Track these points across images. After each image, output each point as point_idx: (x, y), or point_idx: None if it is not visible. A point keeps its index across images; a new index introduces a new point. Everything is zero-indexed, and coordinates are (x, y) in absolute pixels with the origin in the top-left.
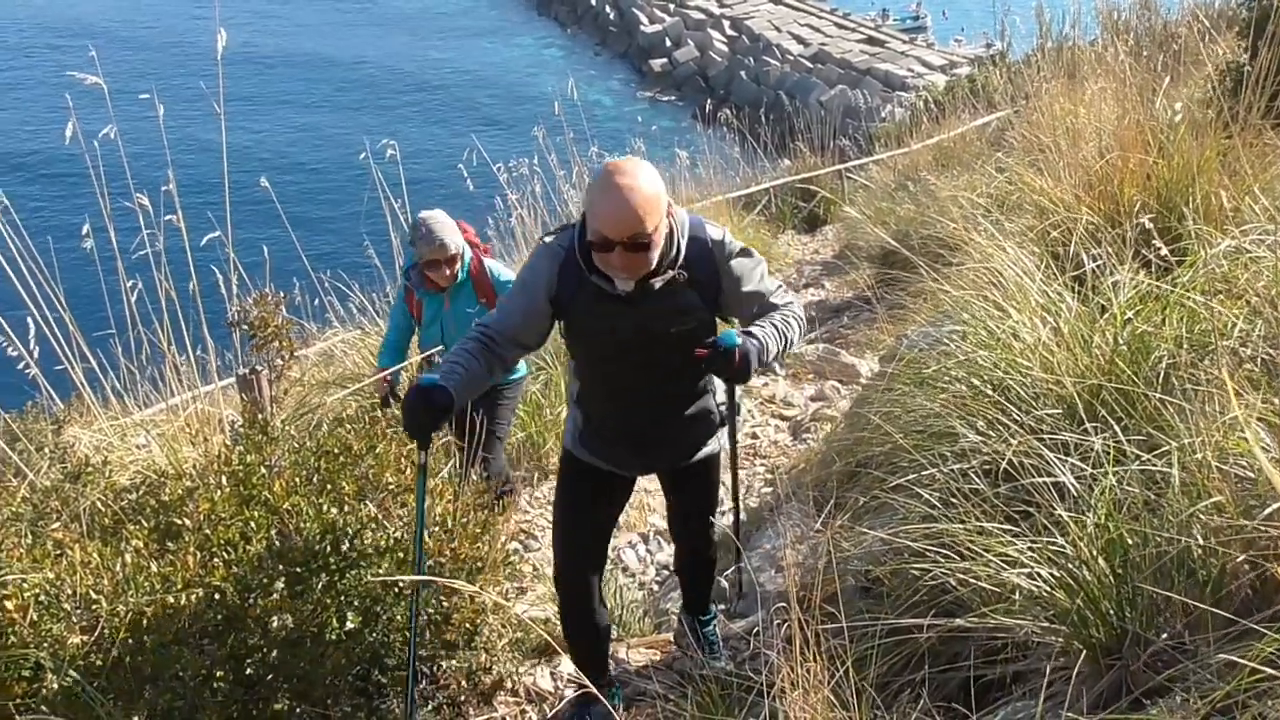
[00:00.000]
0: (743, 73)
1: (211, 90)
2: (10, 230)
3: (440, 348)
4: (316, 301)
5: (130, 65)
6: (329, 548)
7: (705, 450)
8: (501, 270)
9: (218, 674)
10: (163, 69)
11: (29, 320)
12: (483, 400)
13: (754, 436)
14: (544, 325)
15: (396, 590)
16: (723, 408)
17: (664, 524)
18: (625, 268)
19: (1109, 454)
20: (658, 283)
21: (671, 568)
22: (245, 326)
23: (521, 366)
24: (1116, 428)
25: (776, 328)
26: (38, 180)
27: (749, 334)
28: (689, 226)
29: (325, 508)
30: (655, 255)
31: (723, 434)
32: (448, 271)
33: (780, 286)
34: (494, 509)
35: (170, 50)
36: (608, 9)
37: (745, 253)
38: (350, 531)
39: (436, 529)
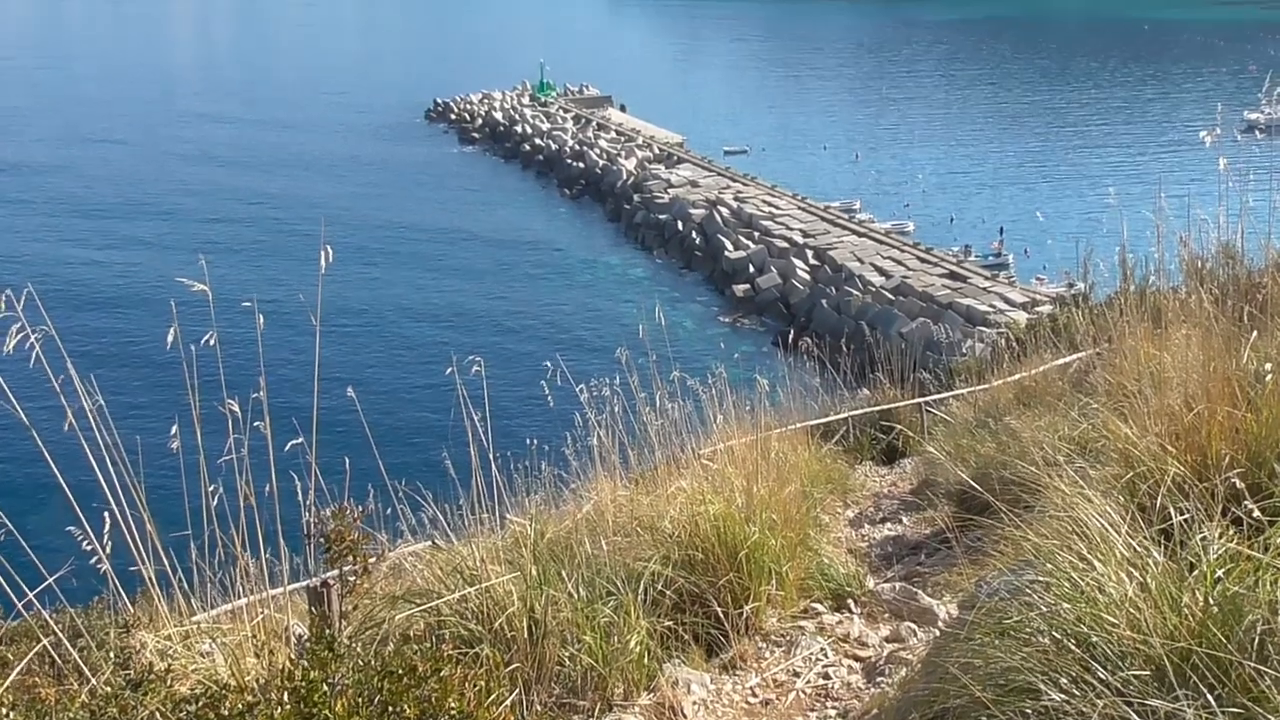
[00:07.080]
0: (824, 301)
1: (311, 303)
2: (100, 425)
3: None
4: (389, 510)
5: (237, 273)
6: None
7: None
8: None
9: None
10: (268, 278)
11: (105, 515)
12: None
13: (825, 677)
14: None
15: None
16: None
17: None
18: None
19: None
20: None
21: None
22: (320, 539)
23: None
24: (1209, 695)
25: None
26: (137, 380)
27: None
28: None
29: None
30: None
31: None
32: None
33: None
34: None
35: (277, 260)
36: (694, 235)
37: None
38: None
39: None
